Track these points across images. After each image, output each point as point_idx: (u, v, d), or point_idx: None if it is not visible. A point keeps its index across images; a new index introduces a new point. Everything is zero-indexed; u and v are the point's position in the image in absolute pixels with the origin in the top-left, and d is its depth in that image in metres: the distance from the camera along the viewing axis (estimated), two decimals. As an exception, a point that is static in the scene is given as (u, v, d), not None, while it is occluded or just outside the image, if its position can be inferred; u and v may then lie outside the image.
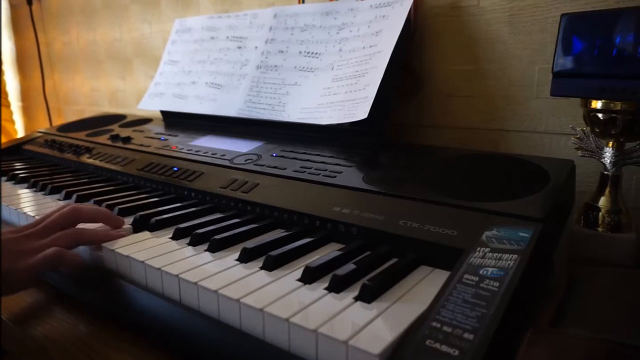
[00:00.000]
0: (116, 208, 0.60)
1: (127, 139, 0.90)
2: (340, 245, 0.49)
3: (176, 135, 0.87)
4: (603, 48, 0.51)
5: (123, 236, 0.51)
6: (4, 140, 1.30)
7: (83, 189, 0.71)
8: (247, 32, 0.91)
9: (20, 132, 1.95)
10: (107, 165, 0.80)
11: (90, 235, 0.50)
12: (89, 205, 0.55)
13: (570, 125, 0.61)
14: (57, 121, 1.70)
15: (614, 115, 0.54)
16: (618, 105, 0.53)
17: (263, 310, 0.35)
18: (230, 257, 0.46)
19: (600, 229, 0.57)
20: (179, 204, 0.63)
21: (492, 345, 0.30)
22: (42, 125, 1.76)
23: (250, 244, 0.47)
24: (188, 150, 0.78)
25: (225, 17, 0.96)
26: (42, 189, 0.73)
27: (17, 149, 1.06)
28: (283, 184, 0.59)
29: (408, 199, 0.50)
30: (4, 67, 1.91)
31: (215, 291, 0.38)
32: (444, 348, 0.29)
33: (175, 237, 0.51)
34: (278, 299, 0.37)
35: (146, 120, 1.04)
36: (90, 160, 0.85)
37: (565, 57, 0.54)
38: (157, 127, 0.97)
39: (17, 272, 0.44)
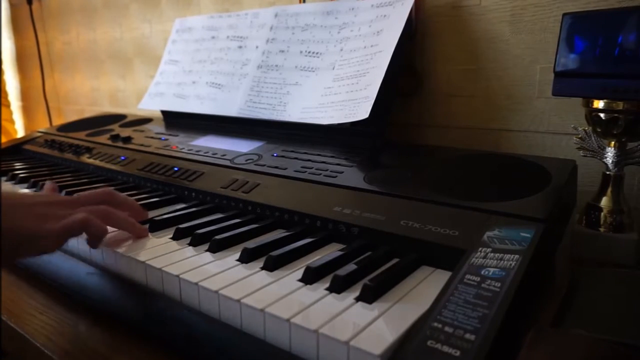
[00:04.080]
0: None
1: (128, 139, 0.90)
2: (341, 246, 0.49)
3: (177, 135, 0.87)
4: (605, 47, 0.51)
5: (144, 236, 0.51)
6: (4, 140, 1.30)
7: (83, 189, 0.71)
8: (247, 31, 0.91)
9: (20, 132, 1.95)
10: (108, 165, 0.80)
11: (118, 218, 0.50)
12: (121, 193, 0.55)
13: (572, 125, 0.61)
14: (57, 121, 1.70)
15: (616, 115, 0.54)
16: (620, 105, 0.53)
17: (264, 311, 0.35)
18: (231, 257, 0.46)
19: (602, 229, 0.57)
20: (179, 204, 0.63)
21: (494, 346, 0.30)
22: (42, 125, 1.76)
23: (251, 244, 0.47)
24: (188, 150, 0.78)
25: (226, 17, 0.96)
26: (42, 189, 0.73)
27: (17, 149, 1.06)
28: (284, 184, 0.59)
29: (409, 199, 0.50)
30: (4, 67, 1.90)
31: (216, 291, 0.38)
32: (446, 348, 0.29)
33: (175, 238, 0.51)
34: (279, 299, 0.37)
35: (146, 120, 1.04)
36: (91, 160, 0.85)
37: (567, 57, 0.53)
38: (158, 127, 0.97)
39: (45, 234, 0.44)
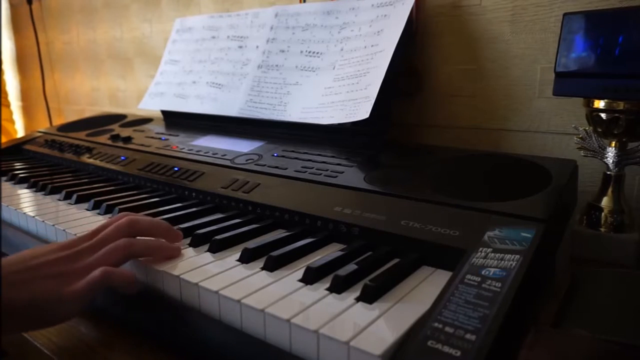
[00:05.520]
0: (116, 209, 0.60)
1: (128, 139, 0.90)
2: (342, 246, 0.49)
3: (177, 135, 0.87)
4: (606, 47, 0.51)
5: (178, 253, 0.46)
6: (4, 140, 1.30)
7: (83, 189, 0.71)
8: (248, 31, 0.91)
9: (20, 132, 1.95)
10: (108, 165, 0.80)
11: (142, 247, 0.45)
12: (146, 217, 0.49)
13: (573, 125, 0.61)
14: (57, 121, 1.70)
15: (616, 115, 0.54)
16: (621, 105, 0.53)
17: (264, 311, 0.35)
18: (231, 257, 0.46)
19: (602, 229, 0.57)
20: (179, 204, 0.63)
21: (494, 346, 0.30)
22: (42, 125, 1.76)
23: (251, 244, 0.47)
24: (189, 150, 0.78)
25: (226, 17, 0.96)
26: (42, 189, 0.73)
27: (17, 149, 1.06)
28: (284, 184, 0.59)
29: (410, 199, 0.50)
30: (4, 67, 1.90)
31: (216, 292, 0.38)
32: (446, 349, 0.29)
33: (176, 237, 0.51)
34: (279, 299, 0.37)
35: (147, 120, 1.04)
36: (91, 160, 0.85)
37: (567, 57, 0.53)
38: (158, 127, 0.97)
39: (64, 298, 0.39)
